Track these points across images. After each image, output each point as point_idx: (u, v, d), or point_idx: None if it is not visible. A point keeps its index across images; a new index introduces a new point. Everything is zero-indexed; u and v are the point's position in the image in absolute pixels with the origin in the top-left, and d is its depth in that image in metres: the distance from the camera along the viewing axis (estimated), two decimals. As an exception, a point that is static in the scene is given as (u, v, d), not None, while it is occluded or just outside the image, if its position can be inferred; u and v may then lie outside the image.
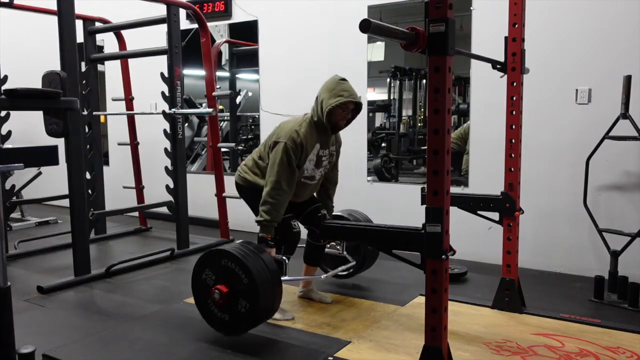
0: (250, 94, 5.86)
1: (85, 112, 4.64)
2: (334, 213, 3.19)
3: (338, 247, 3.18)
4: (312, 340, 2.63)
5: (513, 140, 2.86)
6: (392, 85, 5.29)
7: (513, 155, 2.86)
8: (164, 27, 4.32)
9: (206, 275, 2.61)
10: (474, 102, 4.03)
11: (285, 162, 2.68)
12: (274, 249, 2.72)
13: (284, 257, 2.73)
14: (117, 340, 2.67)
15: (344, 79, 2.77)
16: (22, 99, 2.01)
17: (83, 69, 4.74)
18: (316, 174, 2.90)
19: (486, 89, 3.88)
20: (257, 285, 2.43)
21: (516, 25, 2.80)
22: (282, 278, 2.62)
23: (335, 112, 2.74)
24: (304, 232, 2.99)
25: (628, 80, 3.18)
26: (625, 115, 3.18)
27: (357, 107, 2.81)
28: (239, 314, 2.51)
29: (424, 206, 1.91)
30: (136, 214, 5.52)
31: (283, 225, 2.79)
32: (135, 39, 5.23)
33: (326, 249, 3.19)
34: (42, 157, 2.05)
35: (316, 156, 2.84)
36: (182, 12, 4.74)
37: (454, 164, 4.09)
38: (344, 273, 3.37)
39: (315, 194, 3.09)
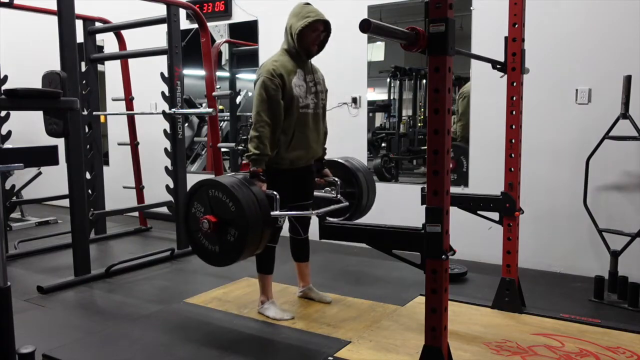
0: (250, 94, 5.86)
1: (85, 112, 4.64)
2: (331, 158, 3.18)
3: (333, 191, 3.12)
4: (312, 340, 2.63)
5: (513, 140, 2.86)
6: (392, 85, 5.29)
7: (513, 155, 2.86)
8: (164, 27, 4.32)
9: (195, 208, 2.58)
10: (474, 102, 4.03)
11: (264, 95, 2.69)
12: (265, 183, 2.68)
13: (274, 192, 2.67)
14: (117, 340, 2.67)
15: (308, 3, 2.79)
16: (22, 99, 2.01)
17: (83, 69, 4.74)
18: (310, 102, 2.84)
19: (486, 89, 3.88)
20: (245, 211, 2.41)
21: (516, 25, 2.80)
22: (271, 212, 2.58)
23: (305, 34, 2.74)
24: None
25: (628, 80, 3.18)
26: (625, 115, 3.18)
27: (327, 27, 2.80)
28: (229, 244, 2.49)
29: (424, 206, 1.91)
30: (136, 214, 5.52)
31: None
32: (135, 39, 5.23)
33: (321, 193, 3.14)
34: (42, 157, 2.04)
35: (304, 82, 2.81)
36: (182, 12, 4.74)
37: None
38: (338, 207, 3.18)
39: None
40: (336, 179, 3.08)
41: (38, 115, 2.26)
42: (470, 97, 4.04)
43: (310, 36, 2.76)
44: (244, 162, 5.87)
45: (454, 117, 4.23)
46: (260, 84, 2.71)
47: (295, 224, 3.08)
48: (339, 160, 3.26)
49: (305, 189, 3.00)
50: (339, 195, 3.11)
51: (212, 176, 2.68)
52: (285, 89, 2.74)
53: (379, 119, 5.48)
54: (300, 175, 2.93)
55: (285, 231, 3.03)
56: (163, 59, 4.35)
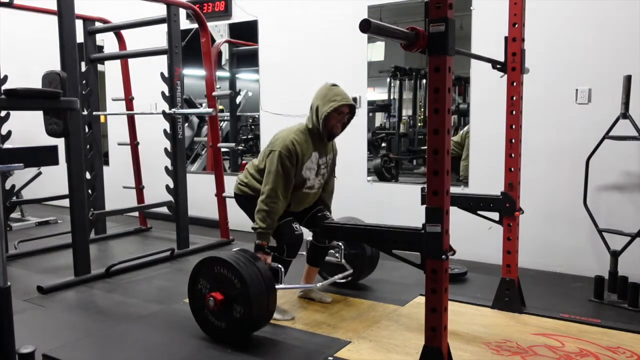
0: (250, 94, 5.86)
1: (85, 112, 4.63)
2: (334, 223, 3.19)
3: (337, 255, 3.19)
4: (312, 340, 2.63)
5: (513, 140, 2.86)
6: (392, 85, 5.30)
7: (513, 155, 2.86)
8: (164, 27, 4.32)
9: (201, 285, 2.64)
10: (474, 102, 4.03)
11: (281, 170, 2.70)
12: (270, 256, 2.73)
13: (279, 266, 2.74)
14: (117, 340, 2.67)
15: (335, 85, 2.80)
16: (22, 99, 2.01)
17: (83, 69, 4.74)
18: (315, 183, 2.92)
19: (486, 89, 3.88)
20: (250, 289, 2.45)
21: (516, 25, 2.80)
22: (277, 286, 2.63)
23: (331, 117, 2.76)
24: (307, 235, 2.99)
25: (628, 80, 3.18)
26: (625, 115, 3.18)
27: (352, 110, 2.83)
28: (235, 320, 2.53)
29: (424, 206, 1.91)
30: (136, 214, 5.52)
31: (285, 227, 2.80)
32: (135, 39, 5.23)
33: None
34: (42, 157, 2.04)
35: (316, 165, 2.86)
36: (182, 12, 4.74)
37: (453, 169, 4.06)
38: (342, 281, 3.36)
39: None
40: (340, 242, 3.14)
41: (38, 115, 2.26)
42: (470, 97, 4.04)
43: (336, 119, 2.79)
44: (244, 162, 5.89)
45: (457, 148, 4.19)
46: (278, 158, 2.71)
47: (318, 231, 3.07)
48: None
49: (312, 205, 3.05)
50: (342, 260, 3.19)
51: (224, 244, 2.72)
52: (297, 170, 2.78)
53: (379, 119, 5.49)
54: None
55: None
56: (163, 59, 4.35)
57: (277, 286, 2.63)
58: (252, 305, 2.46)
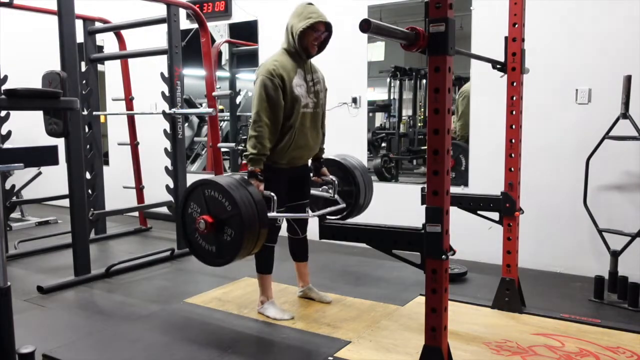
0: (250, 94, 5.86)
1: (85, 112, 4.63)
2: (328, 157, 3.19)
3: (330, 190, 3.12)
4: (312, 340, 2.63)
5: (513, 140, 2.86)
6: (392, 85, 5.30)
7: (513, 155, 2.86)
8: (164, 27, 4.31)
9: (192, 209, 2.59)
10: (474, 102, 4.03)
11: (264, 94, 2.69)
12: (263, 183, 2.68)
13: (272, 194, 2.68)
14: (117, 340, 2.67)
15: (310, 3, 2.78)
16: (22, 99, 2.01)
17: (83, 69, 4.74)
18: (309, 102, 2.84)
19: (486, 89, 3.88)
20: (241, 211, 2.41)
21: (516, 25, 2.80)
22: (268, 214, 2.59)
23: (307, 34, 2.75)
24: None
25: (628, 80, 3.18)
26: (625, 115, 3.18)
27: (328, 29, 2.81)
28: (225, 243, 2.49)
29: (424, 206, 1.91)
30: (136, 214, 5.52)
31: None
32: (135, 39, 5.23)
33: (317, 192, 3.14)
34: (42, 157, 2.04)
35: (304, 81, 2.82)
36: (182, 12, 4.74)
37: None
38: (334, 216, 3.27)
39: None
40: (333, 177, 3.08)
41: (38, 115, 2.26)
42: (470, 97, 4.04)
43: (311, 36, 2.76)
44: (243, 162, 5.88)
45: (454, 116, 4.22)
46: (260, 83, 2.71)
47: (293, 224, 3.08)
48: (336, 159, 3.26)
49: (302, 188, 3.01)
50: (336, 195, 3.11)
51: (208, 176, 2.67)
52: (286, 90, 2.74)
53: (379, 118, 5.49)
54: (297, 175, 2.94)
55: (283, 230, 3.03)
56: (163, 59, 4.35)
57: (268, 214, 2.59)
58: (243, 228, 2.41)
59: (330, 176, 3.09)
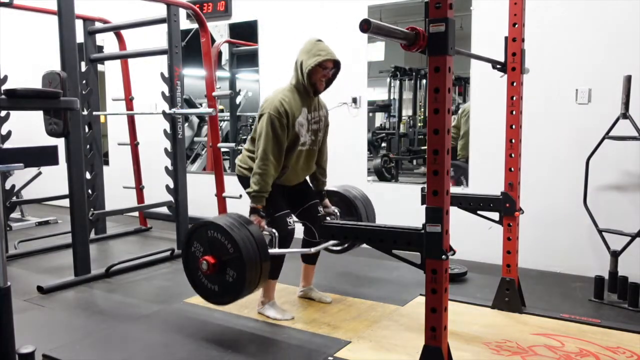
0: (250, 94, 5.86)
1: (85, 112, 4.63)
2: (330, 188, 3.20)
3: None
4: (312, 340, 2.63)
5: (513, 140, 2.86)
6: (392, 85, 5.29)
7: (513, 155, 2.86)
8: (164, 27, 4.31)
9: (195, 247, 2.61)
10: (474, 102, 4.02)
11: (271, 132, 2.70)
12: (264, 220, 2.71)
13: (273, 230, 2.72)
14: (117, 340, 2.67)
15: (320, 40, 2.80)
16: (22, 99, 2.01)
17: (83, 69, 4.74)
18: (307, 140, 2.87)
19: (486, 89, 3.88)
20: (243, 254, 2.43)
21: (516, 25, 2.80)
22: (270, 250, 2.61)
23: (316, 71, 2.76)
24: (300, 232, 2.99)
25: (628, 80, 3.18)
26: (625, 115, 3.18)
27: (336, 65, 2.83)
28: (228, 284, 2.51)
29: (424, 206, 1.91)
30: (136, 214, 5.52)
31: (280, 220, 2.79)
32: (135, 39, 5.23)
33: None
34: (42, 157, 2.04)
35: (306, 120, 2.83)
36: (182, 12, 4.74)
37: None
38: (336, 248, 3.31)
39: (309, 180, 3.08)
40: (335, 209, 3.12)
41: (38, 115, 2.26)
42: (470, 97, 4.04)
43: (319, 73, 2.78)
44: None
45: (454, 128, 4.19)
46: (268, 120, 2.71)
47: (311, 226, 3.03)
48: (338, 190, 3.27)
49: (304, 190, 3.03)
50: None
51: (211, 217, 2.69)
52: (290, 128, 2.76)
53: (379, 119, 5.48)
54: (293, 185, 2.98)
55: (299, 233, 3.01)
56: (163, 59, 4.35)
57: (270, 251, 2.61)
58: (245, 270, 2.44)
59: (333, 207, 3.11)
